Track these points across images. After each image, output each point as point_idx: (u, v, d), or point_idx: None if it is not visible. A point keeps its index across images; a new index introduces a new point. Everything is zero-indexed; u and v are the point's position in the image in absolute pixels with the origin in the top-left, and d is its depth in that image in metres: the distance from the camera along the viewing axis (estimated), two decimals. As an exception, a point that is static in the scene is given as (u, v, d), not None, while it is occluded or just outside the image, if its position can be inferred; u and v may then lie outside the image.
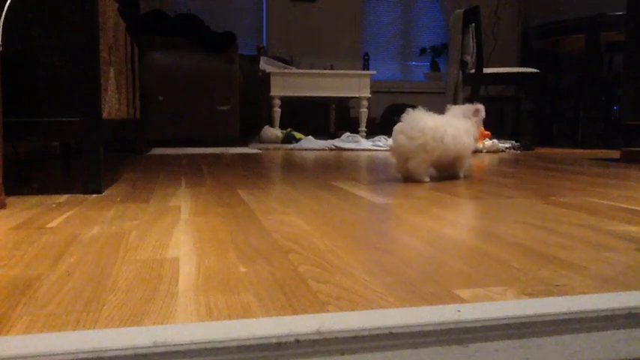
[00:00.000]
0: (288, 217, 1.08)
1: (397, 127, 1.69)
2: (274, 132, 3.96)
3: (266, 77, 4.28)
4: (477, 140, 1.87)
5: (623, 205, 1.24)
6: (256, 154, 3.08)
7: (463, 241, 0.87)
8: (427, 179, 1.71)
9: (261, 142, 3.95)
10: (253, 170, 2.07)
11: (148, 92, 3.38)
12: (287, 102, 4.38)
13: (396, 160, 1.74)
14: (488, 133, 3.37)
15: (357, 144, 3.61)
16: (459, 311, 0.52)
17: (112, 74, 1.68)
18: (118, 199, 1.31)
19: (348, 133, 3.93)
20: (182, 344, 0.45)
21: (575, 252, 0.80)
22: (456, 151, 1.72)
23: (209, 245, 0.84)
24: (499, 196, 1.38)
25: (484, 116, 1.86)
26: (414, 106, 1.69)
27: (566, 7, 5.24)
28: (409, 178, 1.72)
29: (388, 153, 2.87)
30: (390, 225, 1.01)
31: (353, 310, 0.55)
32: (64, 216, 1.09)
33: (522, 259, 0.76)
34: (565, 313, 0.52)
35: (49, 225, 1.00)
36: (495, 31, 6.07)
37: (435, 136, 1.65)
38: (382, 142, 3.66)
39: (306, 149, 3.51)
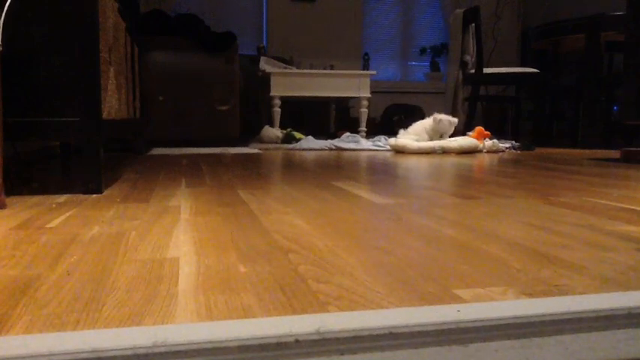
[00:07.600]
0: (288, 217, 1.08)
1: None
2: (274, 132, 3.96)
3: (266, 77, 4.28)
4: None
5: (623, 205, 1.24)
6: (256, 154, 3.08)
7: (463, 241, 0.87)
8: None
9: (261, 142, 3.95)
10: (253, 170, 2.07)
11: (148, 92, 3.38)
12: (287, 102, 4.38)
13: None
14: (488, 133, 3.37)
15: (357, 144, 3.61)
16: (458, 311, 0.52)
17: (112, 74, 1.68)
18: (118, 199, 1.31)
19: (348, 133, 3.92)
20: (182, 344, 0.45)
21: (575, 252, 0.80)
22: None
23: (209, 245, 0.84)
24: (499, 196, 1.38)
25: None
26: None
27: (566, 7, 5.24)
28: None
29: (389, 151, 3.10)
30: (390, 225, 1.01)
31: (353, 310, 0.55)
32: (64, 216, 1.09)
33: (522, 259, 0.76)
34: (565, 313, 0.52)
35: (49, 225, 1.00)
36: (495, 31, 6.07)
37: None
38: (382, 142, 3.66)
39: (306, 149, 3.51)
